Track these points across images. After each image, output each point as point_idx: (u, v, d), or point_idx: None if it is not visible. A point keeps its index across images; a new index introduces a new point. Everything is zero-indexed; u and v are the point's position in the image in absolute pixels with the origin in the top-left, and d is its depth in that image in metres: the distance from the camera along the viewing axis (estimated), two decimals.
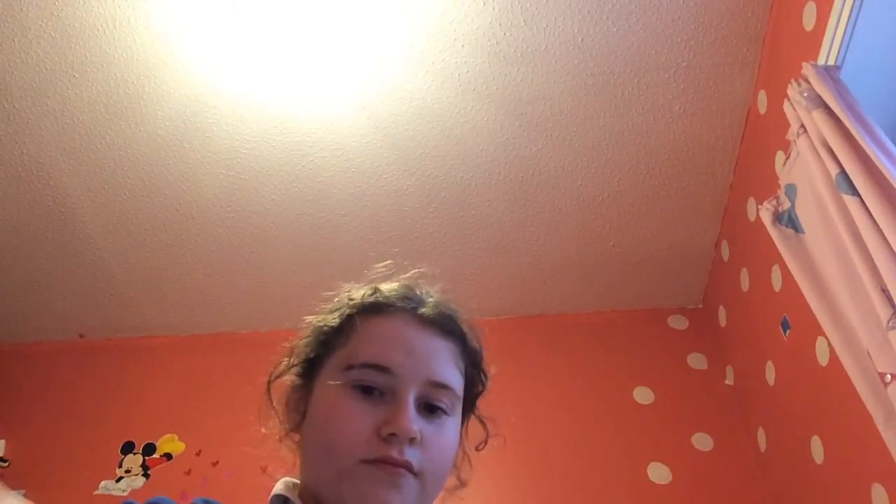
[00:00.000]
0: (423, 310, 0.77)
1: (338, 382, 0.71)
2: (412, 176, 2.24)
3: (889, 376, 1.30)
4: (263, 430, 0.79)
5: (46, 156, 2.19)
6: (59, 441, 2.49)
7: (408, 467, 0.67)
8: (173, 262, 2.51)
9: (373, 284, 0.81)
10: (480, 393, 0.83)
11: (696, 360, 2.53)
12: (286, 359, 0.81)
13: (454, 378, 0.75)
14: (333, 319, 0.78)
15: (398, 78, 1.99)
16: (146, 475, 2.39)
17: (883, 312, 1.29)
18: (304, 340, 0.80)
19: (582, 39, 1.93)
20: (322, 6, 1.85)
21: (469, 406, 0.81)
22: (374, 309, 0.77)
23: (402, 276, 0.84)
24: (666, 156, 2.20)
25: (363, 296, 0.79)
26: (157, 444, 2.46)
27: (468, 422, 0.83)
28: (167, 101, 2.05)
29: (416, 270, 0.86)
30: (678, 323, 2.65)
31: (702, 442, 2.31)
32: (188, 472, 2.37)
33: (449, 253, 2.47)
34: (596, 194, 2.31)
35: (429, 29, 1.90)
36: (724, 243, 2.41)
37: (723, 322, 2.49)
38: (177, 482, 2.35)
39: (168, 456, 2.44)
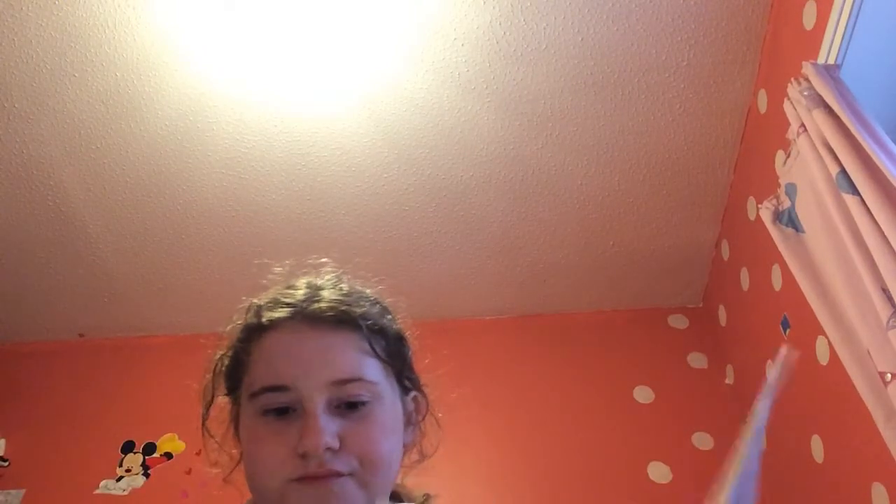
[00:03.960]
0: (309, 309, 0.74)
1: (250, 412, 0.70)
2: (412, 175, 2.24)
3: (889, 375, 1.30)
4: (214, 471, 0.79)
5: (46, 155, 2.19)
6: (59, 441, 2.49)
7: (334, 475, 0.66)
8: (173, 262, 2.51)
9: (253, 301, 0.78)
10: (408, 358, 0.80)
11: (697, 360, 2.53)
12: (203, 402, 0.80)
13: (362, 366, 0.72)
14: (227, 353, 0.77)
15: (398, 77, 1.99)
16: (146, 475, 2.39)
17: (883, 312, 1.29)
18: (208, 380, 0.79)
19: (582, 39, 1.93)
20: (322, 6, 1.85)
21: (404, 376, 0.78)
22: (259, 329, 0.74)
23: (299, 274, 0.82)
24: (666, 155, 2.20)
25: (246, 317, 0.77)
26: (157, 443, 2.46)
27: (421, 394, 0.81)
28: (167, 101, 2.05)
29: (314, 262, 0.84)
30: (678, 322, 2.65)
31: (702, 441, 2.31)
32: (188, 472, 2.37)
33: (449, 252, 2.47)
34: (596, 193, 2.30)
35: (429, 28, 1.90)
36: (725, 242, 2.41)
37: (723, 321, 2.49)
38: (177, 482, 2.35)
39: (168, 455, 2.44)
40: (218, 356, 0.79)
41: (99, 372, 2.68)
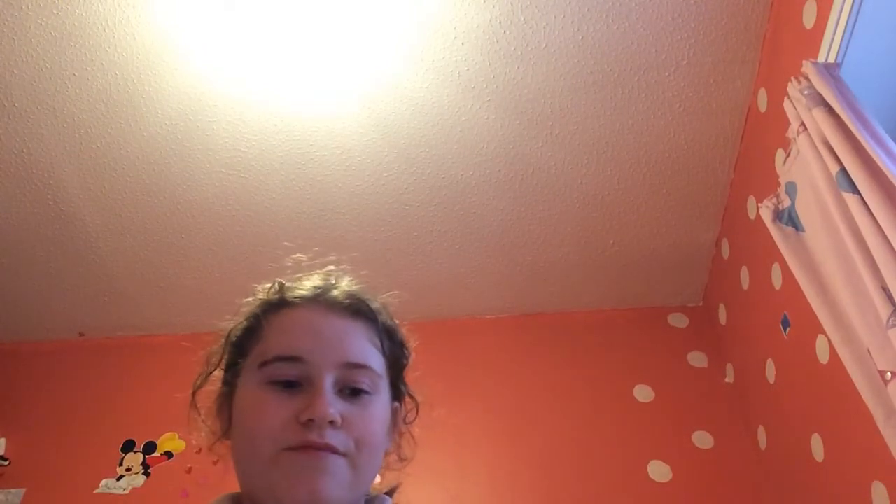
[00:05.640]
0: (330, 294, 0.77)
1: (255, 381, 0.71)
2: (412, 174, 2.24)
3: (889, 374, 1.30)
4: (194, 441, 0.79)
5: (46, 155, 2.19)
6: (59, 440, 2.49)
7: (330, 450, 0.67)
8: (173, 262, 2.51)
9: (277, 280, 0.81)
10: (405, 367, 0.83)
11: (697, 359, 2.53)
12: (203, 368, 0.81)
13: (371, 356, 0.75)
14: (242, 322, 0.79)
15: (398, 76, 1.99)
16: (147, 473, 2.39)
17: (883, 310, 1.29)
18: (217, 347, 0.80)
19: (582, 38, 1.93)
20: (322, 6, 1.85)
21: (397, 383, 0.81)
22: (280, 304, 0.77)
23: (313, 271, 0.85)
24: (666, 154, 2.20)
25: (269, 293, 0.79)
26: (157, 442, 2.46)
27: (403, 400, 0.83)
28: (167, 100, 2.05)
29: (329, 264, 0.86)
30: (678, 321, 2.65)
31: (702, 440, 2.31)
32: (189, 471, 2.37)
33: (449, 251, 2.47)
34: (596, 193, 2.30)
35: (429, 27, 1.90)
36: (725, 241, 2.41)
37: (723, 320, 2.49)
38: (177, 481, 2.36)
39: (169, 454, 2.44)
40: (232, 325, 0.80)
41: (99, 372, 2.68)
